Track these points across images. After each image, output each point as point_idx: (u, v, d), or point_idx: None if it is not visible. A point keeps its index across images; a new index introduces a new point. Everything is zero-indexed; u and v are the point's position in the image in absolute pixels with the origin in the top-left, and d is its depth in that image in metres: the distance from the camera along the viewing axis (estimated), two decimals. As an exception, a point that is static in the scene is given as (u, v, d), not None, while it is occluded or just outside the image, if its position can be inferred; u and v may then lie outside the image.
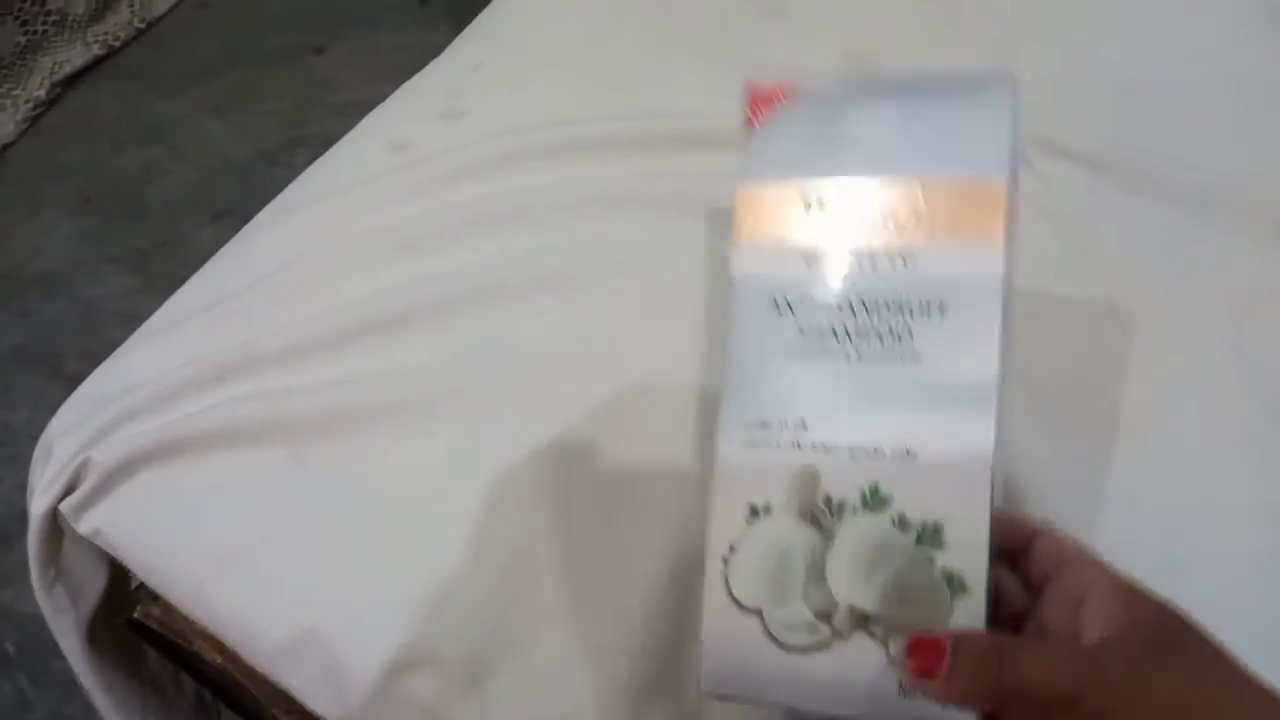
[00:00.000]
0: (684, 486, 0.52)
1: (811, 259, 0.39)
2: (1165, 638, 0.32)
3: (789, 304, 0.39)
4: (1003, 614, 0.36)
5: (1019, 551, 0.37)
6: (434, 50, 0.78)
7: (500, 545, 0.52)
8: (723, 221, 0.60)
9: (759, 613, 0.37)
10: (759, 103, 0.41)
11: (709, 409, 0.54)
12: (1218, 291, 0.58)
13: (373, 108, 0.74)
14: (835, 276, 0.39)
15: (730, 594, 0.37)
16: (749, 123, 0.41)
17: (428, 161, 0.65)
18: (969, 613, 0.35)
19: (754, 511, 0.38)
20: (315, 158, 0.71)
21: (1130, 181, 0.62)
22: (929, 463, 0.36)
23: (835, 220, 0.39)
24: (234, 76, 1.16)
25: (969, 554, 0.35)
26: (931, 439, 0.36)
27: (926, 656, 0.33)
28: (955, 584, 0.35)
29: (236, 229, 0.68)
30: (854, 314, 0.38)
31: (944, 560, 0.35)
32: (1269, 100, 0.65)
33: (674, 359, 0.57)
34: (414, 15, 1.23)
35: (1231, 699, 0.31)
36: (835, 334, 0.38)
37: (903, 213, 0.38)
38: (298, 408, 0.55)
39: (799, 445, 0.38)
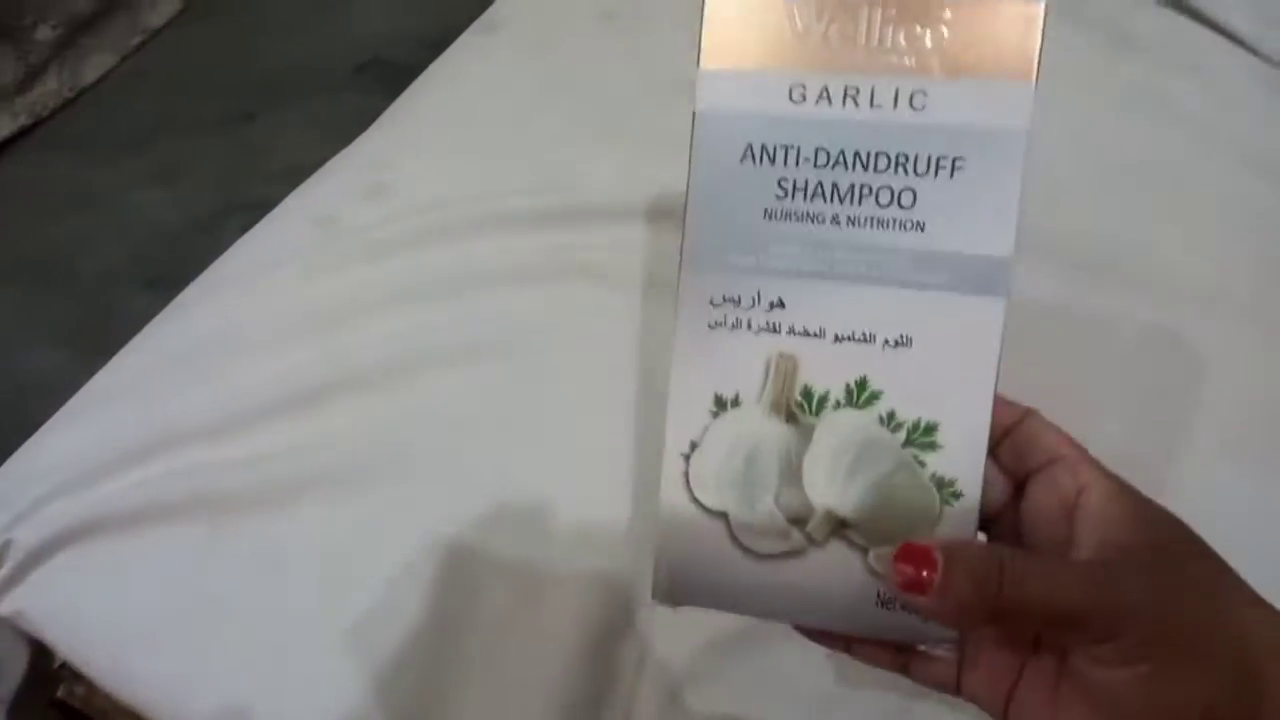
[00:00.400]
0: (604, 551, 0.54)
1: (797, 95, 0.32)
2: (1173, 553, 0.30)
3: (768, 153, 0.32)
4: (981, 509, 0.33)
5: (998, 437, 0.33)
6: (368, 116, 0.80)
7: (422, 614, 0.53)
8: (638, 292, 0.63)
9: (724, 516, 0.33)
10: None
11: (628, 475, 0.57)
12: (1109, 349, 0.62)
13: (307, 174, 0.75)
14: (827, 118, 0.32)
15: (691, 495, 0.33)
16: None
17: (352, 237, 0.67)
18: (960, 522, 0.32)
19: (720, 403, 0.33)
20: (249, 225, 0.72)
21: (1030, 250, 0.65)
22: (926, 352, 0.32)
23: (830, 43, 0.32)
24: (165, 144, 1.16)
25: (964, 458, 0.32)
26: (931, 324, 0.32)
27: (916, 567, 0.29)
28: (946, 490, 0.32)
29: (170, 297, 0.69)
30: (848, 168, 0.32)
31: (936, 463, 0.32)
32: (1150, 179, 0.70)
33: (591, 426, 0.59)
34: (348, 82, 1.24)
35: (1244, 622, 0.29)
36: (823, 193, 0.32)
37: (918, 40, 0.31)
38: (218, 483, 0.56)
39: (775, 328, 0.33)
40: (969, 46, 0.31)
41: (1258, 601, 0.29)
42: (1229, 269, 0.65)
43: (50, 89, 1.15)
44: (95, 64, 1.17)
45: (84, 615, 0.55)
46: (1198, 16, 0.79)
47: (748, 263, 0.33)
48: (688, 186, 0.33)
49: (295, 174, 0.76)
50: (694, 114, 0.33)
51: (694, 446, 0.34)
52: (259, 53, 1.27)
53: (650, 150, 0.71)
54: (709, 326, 0.33)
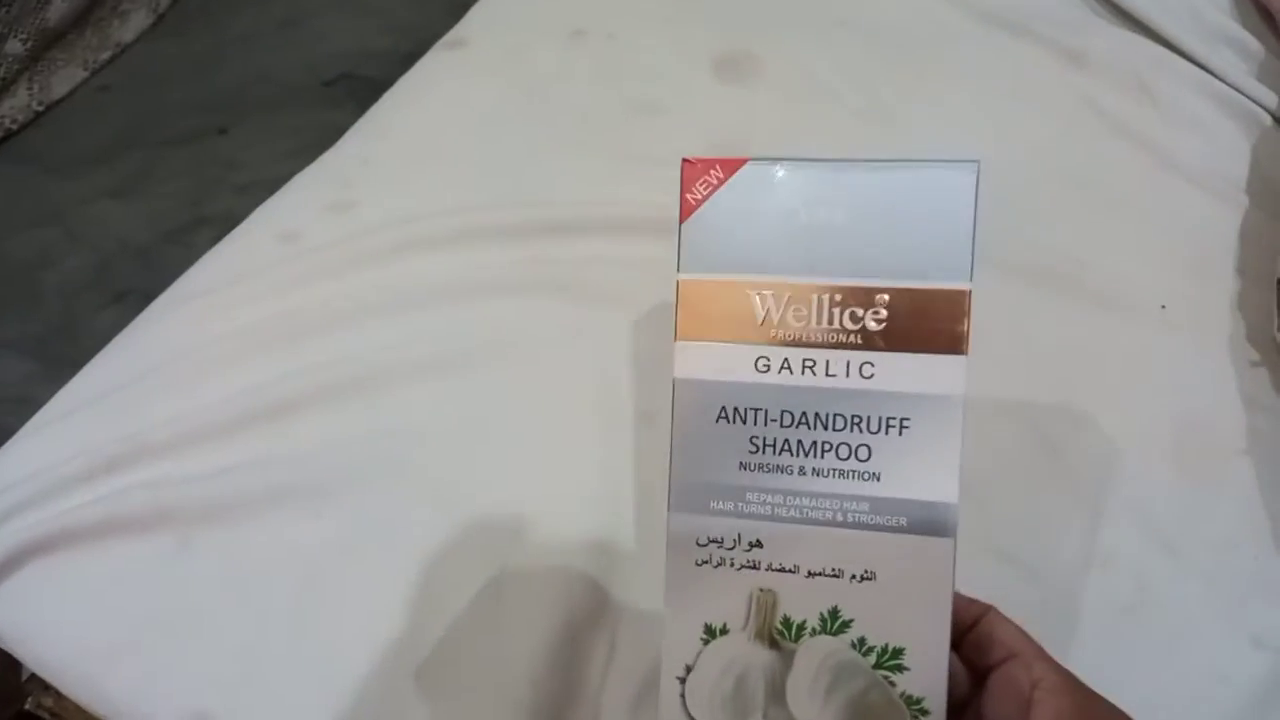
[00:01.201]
0: (571, 557, 0.55)
1: (762, 365, 0.36)
2: None
3: (739, 414, 0.36)
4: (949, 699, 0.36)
5: (961, 632, 0.37)
6: (337, 130, 0.80)
7: (389, 624, 0.54)
8: (605, 305, 0.64)
9: None
10: (695, 182, 0.37)
11: (595, 485, 0.58)
12: (1047, 354, 0.63)
13: (276, 187, 0.76)
14: (789, 385, 0.36)
15: (688, 714, 0.37)
16: (685, 206, 0.37)
17: (316, 252, 0.68)
18: None
19: (710, 631, 0.37)
20: (218, 238, 0.73)
21: (981, 261, 0.67)
22: (889, 585, 0.35)
23: (788, 323, 0.36)
24: (135, 158, 1.16)
25: (929, 677, 0.35)
26: (891, 561, 0.35)
27: None
28: (914, 707, 0.35)
29: (138, 310, 0.69)
30: (810, 427, 0.36)
31: (904, 683, 0.35)
32: (1086, 186, 0.72)
33: (558, 438, 0.60)
34: (318, 95, 1.24)
35: None
36: (790, 448, 0.36)
37: (862, 319, 0.35)
38: (186, 495, 0.57)
39: (755, 566, 0.36)
40: (906, 325, 0.35)
41: None
42: (1173, 284, 0.67)
43: (20, 103, 1.14)
44: (65, 78, 1.17)
45: (52, 627, 0.55)
46: (1147, 32, 0.81)
47: (728, 509, 0.37)
48: (670, 442, 0.37)
49: (265, 188, 0.76)
50: (673, 380, 0.37)
51: (688, 670, 0.37)
52: (229, 67, 1.26)
53: (618, 165, 0.73)
54: (696, 564, 0.37)
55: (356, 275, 0.66)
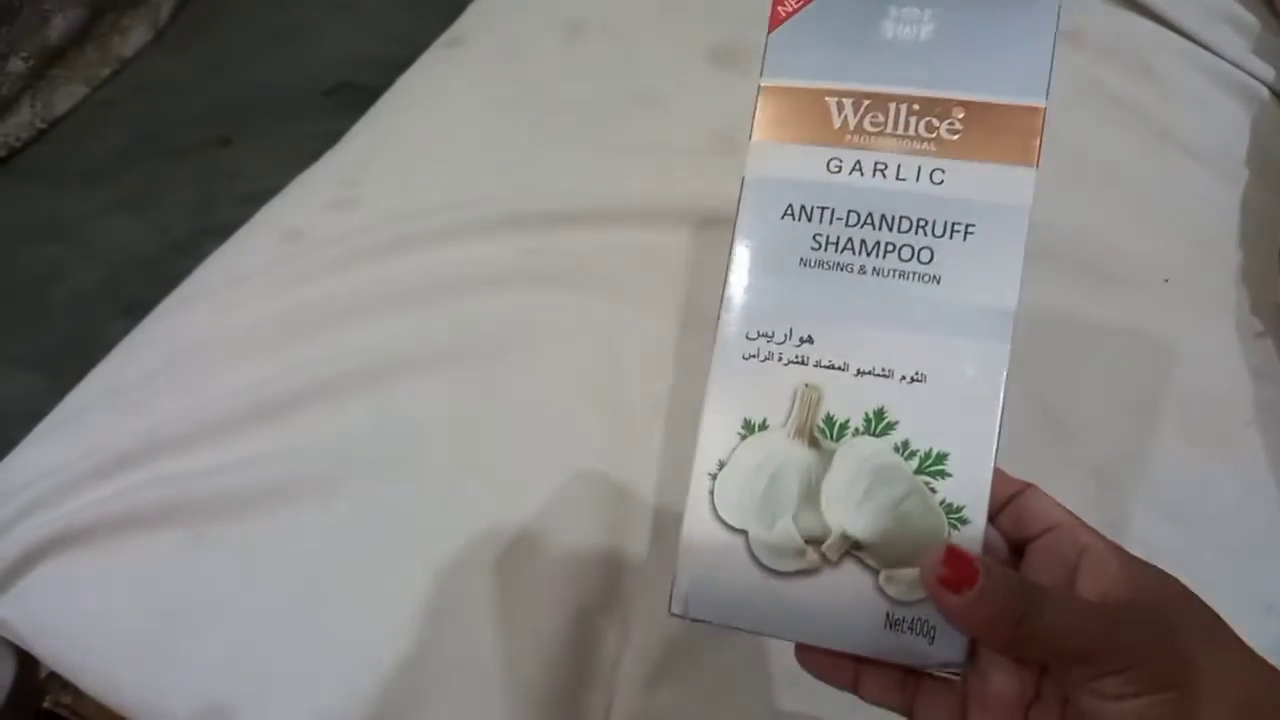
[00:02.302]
0: (579, 546, 0.55)
1: (835, 165, 0.37)
2: (1172, 605, 0.32)
3: (805, 211, 0.37)
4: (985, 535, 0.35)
5: (1000, 506, 0.36)
6: (339, 138, 0.81)
7: (400, 614, 0.54)
8: (605, 297, 0.64)
9: (744, 534, 0.35)
10: None
11: (601, 477, 0.58)
12: (1052, 329, 0.63)
13: (278, 193, 0.77)
14: (859, 186, 0.37)
15: (715, 512, 0.36)
16: (775, 17, 0.38)
17: (320, 249, 0.68)
18: (967, 547, 0.33)
19: (749, 426, 0.36)
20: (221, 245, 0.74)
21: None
22: (939, 388, 0.35)
23: (864, 128, 0.37)
24: (139, 171, 1.16)
25: (971, 486, 0.34)
26: (944, 364, 0.35)
27: (960, 570, 0.31)
28: (954, 516, 0.34)
29: (147, 323, 0.70)
30: (875, 228, 0.36)
31: (945, 490, 0.34)
32: (1087, 162, 0.72)
33: (562, 430, 0.60)
34: (319, 105, 1.24)
35: (1239, 667, 0.32)
36: (853, 247, 0.36)
37: (938, 129, 0.36)
38: (197, 490, 0.57)
39: (804, 361, 0.36)
40: (980, 136, 0.36)
41: (1245, 649, 0.32)
42: (1176, 258, 0.67)
43: (23, 120, 1.15)
44: (67, 94, 1.18)
45: (68, 624, 0.56)
46: (1142, 9, 0.81)
47: (783, 302, 0.36)
48: (733, 235, 0.37)
49: (267, 198, 0.77)
50: (743, 179, 0.38)
51: (721, 466, 0.36)
52: (229, 80, 1.27)
53: (618, 156, 0.73)
54: (743, 358, 0.36)
55: (360, 270, 0.67)
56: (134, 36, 1.23)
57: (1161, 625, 0.31)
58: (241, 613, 0.55)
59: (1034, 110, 0.36)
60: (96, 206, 1.10)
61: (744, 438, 0.36)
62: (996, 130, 0.36)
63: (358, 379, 0.62)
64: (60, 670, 0.56)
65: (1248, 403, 0.61)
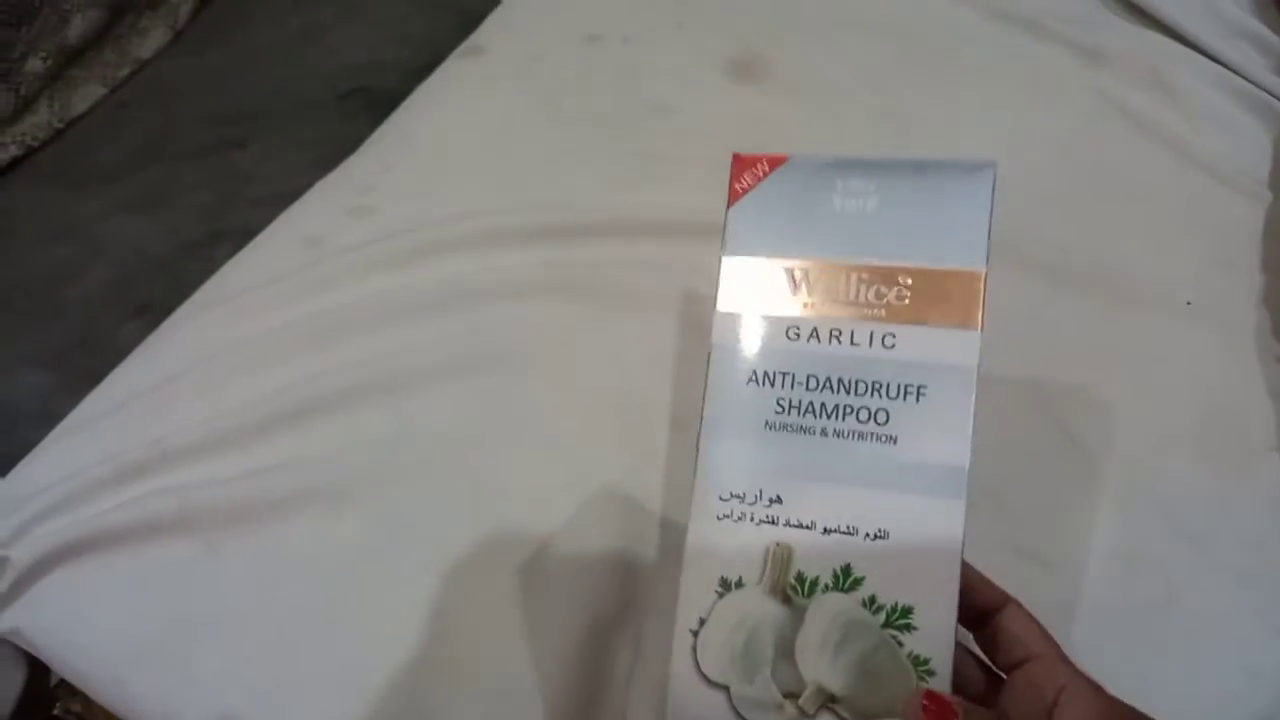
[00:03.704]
0: (595, 558, 0.55)
1: (793, 334, 0.39)
2: None
3: (769, 377, 0.39)
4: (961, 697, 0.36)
5: (981, 619, 0.38)
6: (353, 143, 0.81)
7: (415, 625, 0.54)
8: (624, 308, 0.64)
9: (726, 688, 0.37)
10: (743, 174, 0.41)
11: (617, 488, 0.58)
12: (1071, 351, 0.63)
13: (293, 199, 0.77)
14: (817, 352, 0.39)
15: (698, 667, 0.37)
16: (733, 193, 0.41)
17: (339, 256, 0.68)
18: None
19: (725, 585, 0.38)
20: (237, 251, 0.73)
21: (1002, 257, 0.67)
22: (901, 545, 0.37)
23: (818, 298, 0.39)
24: (153, 173, 1.16)
25: (936, 638, 0.36)
26: (904, 521, 0.37)
27: (940, 714, 0.33)
28: (922, 667, 0.36)
29: (158, 324, 0.70)
30: (834, 391, 0.38)
31: (912, 643, 0.36)
32: (1107, 182, 0.72)
33: (579, 440, 0.60)
34: (333, 109, 1.24)
35: None
36: (814, 410, 0.38)
37: (887, 295, 0.38)
38: (211, 499, 0.57)
39: (774, 520, 0.38)
40: (927, 301, 0.38)
41: None
42: (1197, 280, 0.67)
43: (40, 120, 1.15)
44: (84, 95, 1.18)
45: (80, 632, 0.55)
46: (1162, 28, 0.81)
47: (752, 465, 0.39)
48: (703, 402, 0.40)
49: (282, 201, 0.77)
50: (710, 346, 0.40)
51: (702, 623, 0.38)
52: (246, 82, 1.27)
53: (635, 168, 0.73)
54: (717, 518, 0.39)
55: (379, 279, 0.67)
56: (152, 38, 1.24)
57: None
58: (254, 623, 0.54)
59: (975, 275, 0.38)
60: (111, 207, 1.10)
61: (721, 595, 0.38)
62: (941, 295, 0.38)
63: (374, 389, 0.62)
64: (71, 678, 0.56)
65: (1268, 427, 0.60)
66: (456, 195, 0.72)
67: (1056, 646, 0.36)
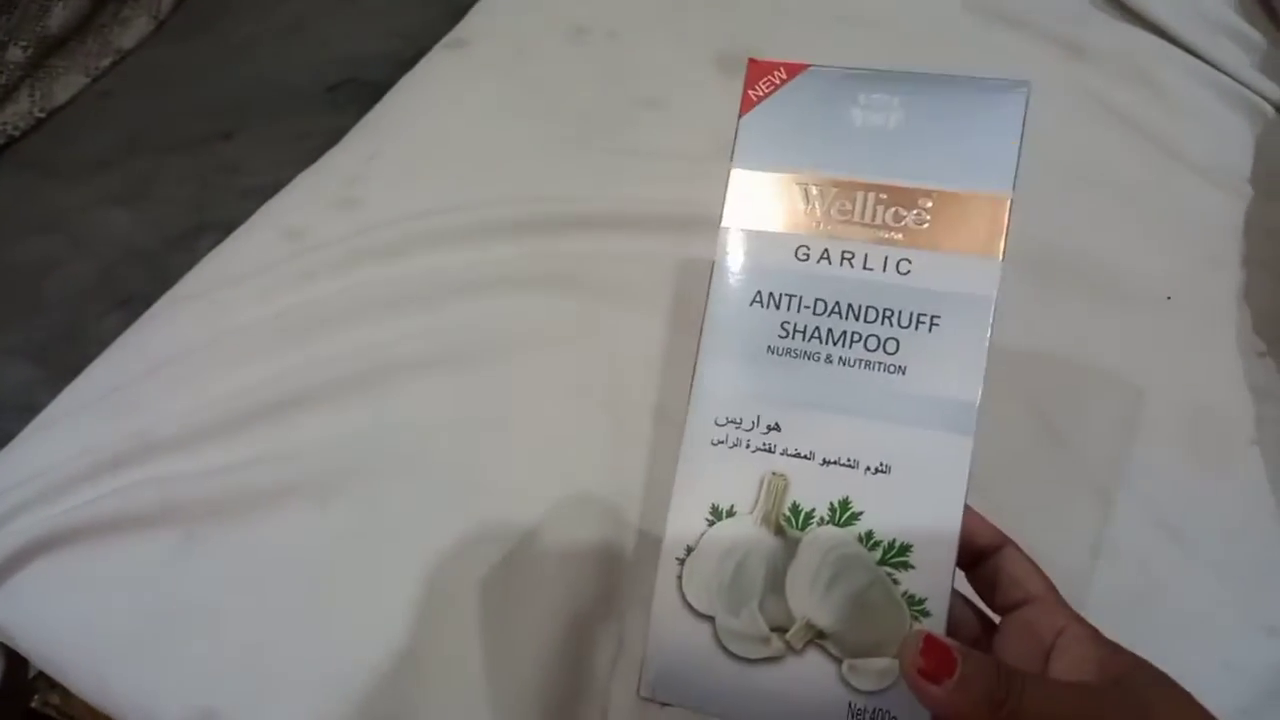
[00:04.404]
0: (578, 553, 0.55)
1: (802, 254, 0.37)
2: (1147, 690, 0.32)
3: (774, 299, 0.37)
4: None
5: (976, 559, 0.37)
6: (341, 135, 0.80)
7: (396, 620, 0.53)
8: (610, 300, 0.64)
9: (711, 620, 0.36)
10: (759, 81, 0.39)
11: (603, 481, 0.58)
12: (1054, 345, 0.63)
13: (280, 191, 0.76)
14: (826, 275, 0.37)
15: (683, 597, 0.36)
16: (746, 102, 0.39)
17: (322, 248, 0.68)
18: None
19: (716, 513, 0.36)
20: (221, 243, 0.73)
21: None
22: (903, 481, 0.35)
23: (832, 216, 0.37)
24: (138, 164, 1.15)
25: (933, 578, 0.35)
26: (908, 456, 0.35)
27: (939, 659, 0.31)
28: (916, 607, 0.34)
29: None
30: (842, 317, 0.36)
31: (907, 582, 0.35)
32: (1089, 177, 0.72)
33: (565, 434, 0.60)
34: (321, 101, 1.23)
35: None
36: (820, 336, 0.37)
37: (905, 218, 0.37)
38: (192, 492, 0.57)
39: (771, 448, 0.36)
40: (947, 226, 0.36)
41: None
42: (1179, 275, 0.67)
43: (21, 109, 1.14)
44: (66, 84, 1.17)
45: (58, 624, 0.55)
46: (1146, 24, 0.81)
47: (750, 390, 0.37)
48: (703, 321, 0.38)
49: (269, 192, 0.76)
50: (713, 263, 0.38)
51: (689, 551, 0.36)
52: (232, 73, 1.26)
53: (621, 164, 0.73)
54: (712, 443, 0.37)
55: (362, 271, 0.66)
56: (135, 27, 1.23)
57: (1138, 706, 0.32)
58: (234, 616, 0.54)
59: (1000, 201, 0.36)
60: (93, 198, 1.09)
61: (711, 524, 0.36)
62: (963, 221, 0.36)
63: (356, 381, 0.61)
64: (50, 671, 0.56)
65: (1250, 421, 0.61)
66: (440, 188, 0.71)
67: (1054, 589, 0.36)
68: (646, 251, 0.66)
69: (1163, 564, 0.55)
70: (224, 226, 0.74)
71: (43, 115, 1.14)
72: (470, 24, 0.85)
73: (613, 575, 0.55)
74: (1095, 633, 0.34)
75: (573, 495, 0.57)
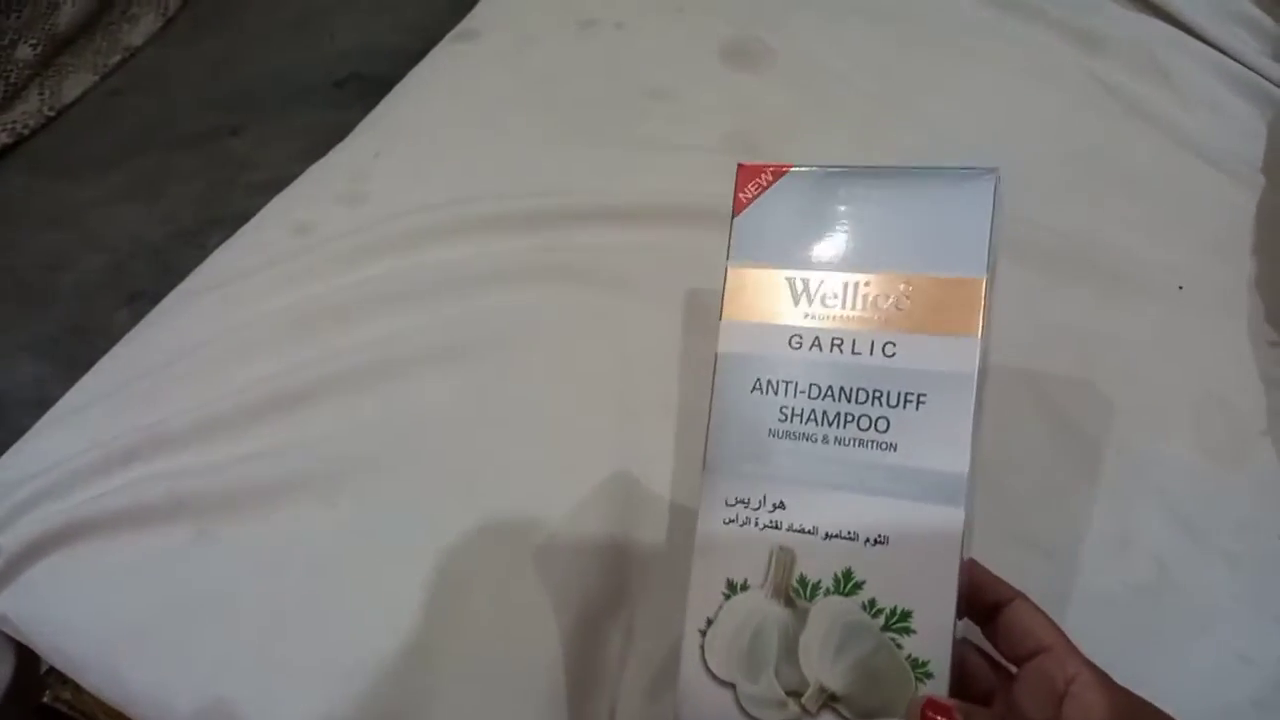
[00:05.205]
0: (589, 545, 0.55)
1: (795, 343, 0.40)
2: None
3: (772, 385, 0.40)
4: (969, 695, 0.37)
5: (989, 614, 0.39)
6: (349, 129, 0.80)
7: (406, 611, 0.53)
8: (618, 292, 0.64)
9: (732, 686, 0.38)
10: (748, 183, 0.42)
11: (612, 472, 0.58)
12: (1065, 336, 0.63)
13: (288, 186, 0.76)
14: (818, 362, 0.40)
15: (706, 666, 0.39)
16: (738, 203, 0.42)
17: (330, 243, 0.68)
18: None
19: (731, 587, 0.39)
20: (230, 238, 0.73)
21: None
22: (900, 550, 0.37)
23: (820, 307, 0.40)
24: (147, 160, 1.16)
25: (935, 641, 0.36)
26: (903, 527, 0.37)
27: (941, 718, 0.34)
28: (920, 669, 0.36)
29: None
30: (835, 399, 0.39)
31: (910, 646, 0.37)
32: (1102, 167, 0.72)
33: (574, 425, 0.60)
34: (329, 96, 1.24)
35: None
36: (816, 418, 0.39)
37: (887, 304, 0.39)
38: (202, 485, 0.57)
39: (777, 526, 0.39)
40: (927, 309, 0.39)
41: None
42: (1191, 265, 0.67)
43: (31, 108, 1.15)
44: (75, 82, 1.18)
45: (69, 619, 0.55)
46: (1158, 13, 0.80)
47: (756, 471, 0.40)
48: (709, 411, 0.41)
49: (277, 187, 0.76)
50: (716, 354, 0.41)
51: (709, 623, 0.39)
52: (240, 69, 1.27)
53: (630, 153, 0.73)
54: (724, 523, 0.40)
55: (371, 265, 0.66)
56: (143, 25, 1.23)
57: None
58: (245, 609, 0.54)
59: (975, 283, 0.38)
60: (104, 195, 1.10)
61: (728, 597, 0.39)
62: (941, 304, 0.39)
63: (366, 375, 0.61)
64: (62, 666, 0.56)
65: (1261, 412, 0.60)
66: (448, 181, 0.71)
67: (1066, 638, 0.37)
68: (655, 243, 0.66)
69: (1175, 556, 0.55)
70: (234, 221, 0.75)
71: (52, 114, 1.15)
72: (478, 16, 0.85)
73: (622, 569, 0.55)
74: (1105, 678, 0.35)
75: (582, 488, 0.57)
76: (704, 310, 0.62)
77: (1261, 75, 0.76)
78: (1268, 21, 0.79)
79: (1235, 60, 0.77)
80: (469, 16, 0.86)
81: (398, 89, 0.82)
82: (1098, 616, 0.52)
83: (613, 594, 0.54)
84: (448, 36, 0.84)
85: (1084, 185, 0.70)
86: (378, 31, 1.27)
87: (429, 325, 0.64)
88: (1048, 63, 0.79)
